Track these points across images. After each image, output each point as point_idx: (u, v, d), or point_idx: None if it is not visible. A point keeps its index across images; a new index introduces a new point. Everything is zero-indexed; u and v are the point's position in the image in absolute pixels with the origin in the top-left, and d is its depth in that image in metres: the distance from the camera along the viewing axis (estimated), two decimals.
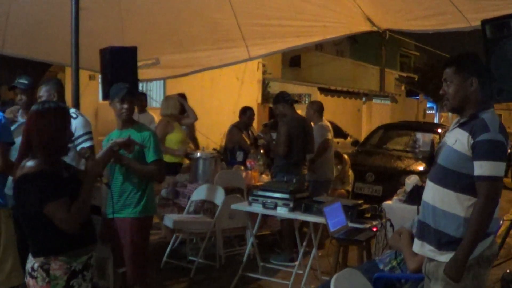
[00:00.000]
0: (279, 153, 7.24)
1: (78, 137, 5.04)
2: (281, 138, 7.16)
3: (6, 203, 4.50)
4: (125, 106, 4.76)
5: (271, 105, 10.18)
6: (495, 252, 3.42)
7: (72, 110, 5.09)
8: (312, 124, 8.09)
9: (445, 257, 3.29)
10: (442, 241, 3.32)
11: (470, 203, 3.24)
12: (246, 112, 8.97)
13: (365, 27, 7.13)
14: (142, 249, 4.81)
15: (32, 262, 3.22)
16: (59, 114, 3.26)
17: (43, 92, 5.06)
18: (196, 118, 8.42)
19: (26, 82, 5.22)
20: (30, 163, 3.15)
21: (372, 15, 6.88)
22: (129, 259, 4.71)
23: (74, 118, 4.96)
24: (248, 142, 8.70)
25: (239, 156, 8.58)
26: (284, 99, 7.42)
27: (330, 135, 8.25)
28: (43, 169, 3.13)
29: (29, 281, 3.22)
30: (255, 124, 10.02)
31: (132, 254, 4.70)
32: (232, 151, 8.73)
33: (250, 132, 8.93)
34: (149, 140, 4.69)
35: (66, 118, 3.32)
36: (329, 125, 8.40)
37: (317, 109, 8.38)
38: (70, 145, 3.43)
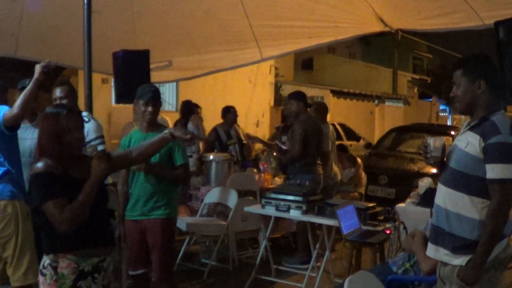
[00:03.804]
0: (294, 153, 6.95)
1: (90, 140, 5.04)
2: (296, 137, 6.91)
3: (21, 196, 4.52)
4: (149, 109, 4.77)
5: (283, 108, 10.05)
6: (509, 255, 3.39)
7: (85, 114, 5.10)
8: None
9: (460, 261, 3.27)
10: (457, 245, 3.30)
11: (484, 205, 3.22)
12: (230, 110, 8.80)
13: (377, 27, 7.09)
14: (170, 249, 4.89)
15: (44, 260, 3.23)
16: (64, 117, 3.20)
17: (56, 95, 5.08)
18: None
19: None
20: (39, 164, 3.17)
21: (384, 15, 6.85)
22: (158, 261, 4.75)
23: (87, 122, 4.96)
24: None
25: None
26: (304, 99, 7.35)
27: (330, 145, 7.83)
28: (47, 169, 3.13)
29: (40, 278, 3.23)
30: (267, 127, 9.95)
31: (161, 255, 4.74)
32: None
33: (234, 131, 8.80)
34: (176, 143, 4.66)
35: (73, 122, 3.24)
36: (331, 129, 8.05)
37: (320, 111, 8.10)
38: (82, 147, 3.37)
